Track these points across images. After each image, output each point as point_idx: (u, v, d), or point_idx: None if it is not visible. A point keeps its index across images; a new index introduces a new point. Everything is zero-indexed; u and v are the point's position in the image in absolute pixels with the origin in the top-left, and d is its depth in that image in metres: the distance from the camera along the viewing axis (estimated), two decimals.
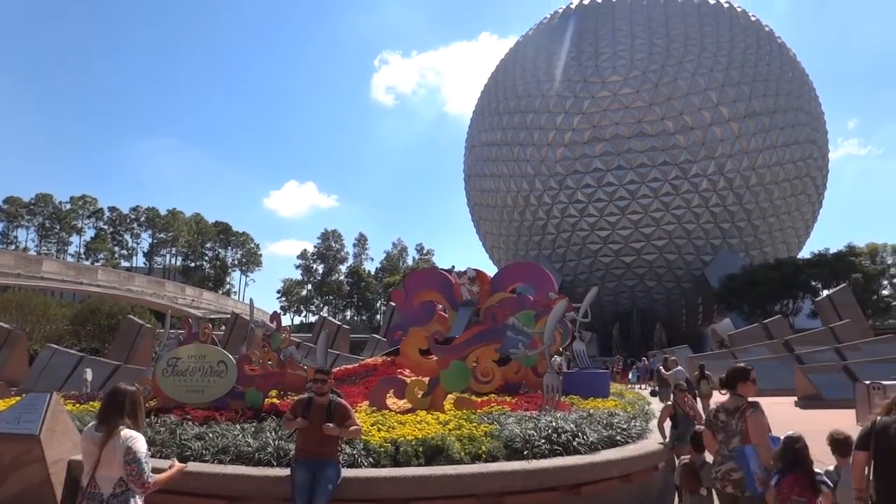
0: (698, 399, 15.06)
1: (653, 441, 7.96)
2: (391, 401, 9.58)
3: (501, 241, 64.42)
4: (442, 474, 5.88)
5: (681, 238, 54.64)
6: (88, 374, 19.82)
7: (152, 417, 7.58)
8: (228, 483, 5.91)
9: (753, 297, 48.26)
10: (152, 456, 4.81)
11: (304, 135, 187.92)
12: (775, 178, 54.35)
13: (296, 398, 7.25)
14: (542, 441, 6.68)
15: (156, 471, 4.07)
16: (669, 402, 8.77)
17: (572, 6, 63.02)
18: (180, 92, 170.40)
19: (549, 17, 65.14)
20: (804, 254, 59.49)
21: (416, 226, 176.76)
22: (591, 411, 8.43)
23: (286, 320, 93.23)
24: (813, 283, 49.04)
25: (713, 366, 21.47)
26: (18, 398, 8.18)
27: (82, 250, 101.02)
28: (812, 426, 8.27)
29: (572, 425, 7.19)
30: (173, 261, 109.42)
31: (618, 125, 53.99)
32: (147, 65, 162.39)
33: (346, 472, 5.83)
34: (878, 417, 4.33)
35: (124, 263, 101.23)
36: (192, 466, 5.85)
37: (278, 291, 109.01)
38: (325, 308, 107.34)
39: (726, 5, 59.56)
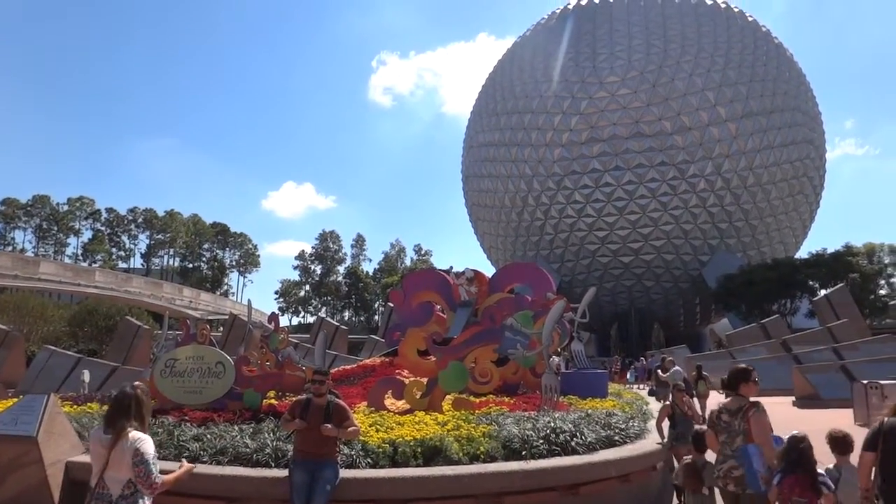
0: (696, 399, 15.08)
1: (651, 441, 7.97)
2: (389, 401, 9.58)
3: (499, 242, 64.38)
4: (440, 475, 5.89)
5: (678, 238, 54.67)
6: (86, 376, 19.71)
7: (150, 419, 7.55)
8: (226, 484, 5.92)
9: (751, 297, 48.28)
10: None
11: (302, 135, 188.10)
12: (773, 178, 54.40)
13: (294, 399, 7.25)
14: (541, 441, 6.69)
15: (163, 472, 4.10)
16: (668, 402, 8.78)
17: (570, 7, 63.04)
18: (178, 93, 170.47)
19: (546, 17, 65.13)
20: (802, 254, 59.74)
21: (414, 226, 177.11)
22: (590, 411, 8.44)
23: (284, 321, 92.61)
24: (810, 282, 49.13)
25: (711, 366, 21.55)
26: (16, 400, 8.16)
27: (80, 251, 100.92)
28: (810, 426, 8.22)
29: (570, 425, 7.19)
30: (171, 262, 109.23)
31: (615, 126, 53.99)
32: (145, 66, 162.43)
33: (345, 473, 5.83)
34: (886, 418, 4.31)
35: (122, 265, 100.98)
36: None
37: (276, 292, 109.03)
38: (323, 309, 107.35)
39: (723, 6, 59.63)
